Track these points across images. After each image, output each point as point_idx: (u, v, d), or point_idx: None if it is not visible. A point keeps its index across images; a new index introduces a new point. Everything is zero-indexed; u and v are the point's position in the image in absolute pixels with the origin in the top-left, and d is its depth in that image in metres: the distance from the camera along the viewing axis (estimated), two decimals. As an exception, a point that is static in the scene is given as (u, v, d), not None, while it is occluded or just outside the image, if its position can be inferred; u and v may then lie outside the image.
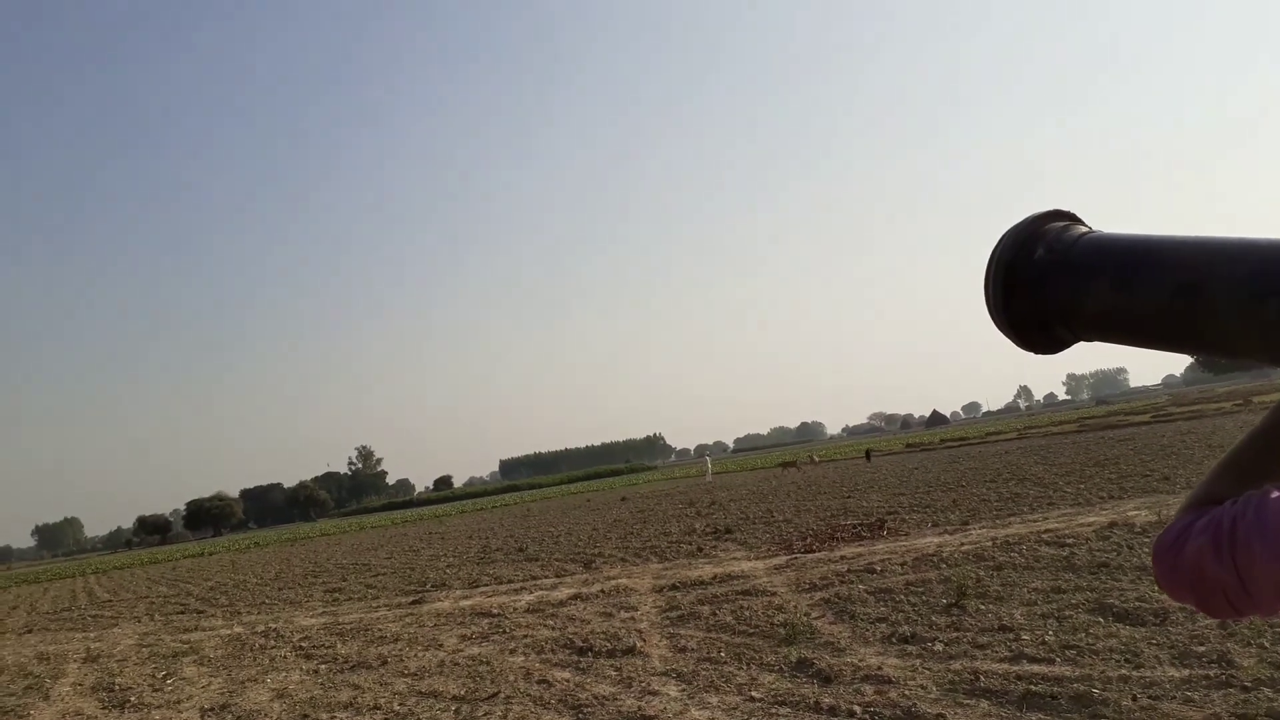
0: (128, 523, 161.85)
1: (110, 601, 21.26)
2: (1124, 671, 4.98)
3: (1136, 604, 6.29)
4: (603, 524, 22.50)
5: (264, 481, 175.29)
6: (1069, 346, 1.09)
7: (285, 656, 9.45)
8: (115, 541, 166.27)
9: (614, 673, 6.65)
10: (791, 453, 78.96)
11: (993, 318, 1.08)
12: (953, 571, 8.49)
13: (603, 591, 10.55)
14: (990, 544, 9.82)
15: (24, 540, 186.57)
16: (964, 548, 9.86)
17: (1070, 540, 9.25)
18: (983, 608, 6.98)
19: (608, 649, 7.45)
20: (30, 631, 16.41)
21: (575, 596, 10.49)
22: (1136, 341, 1.00)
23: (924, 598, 7.68)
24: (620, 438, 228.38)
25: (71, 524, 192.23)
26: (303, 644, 10.05)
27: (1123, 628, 5.85)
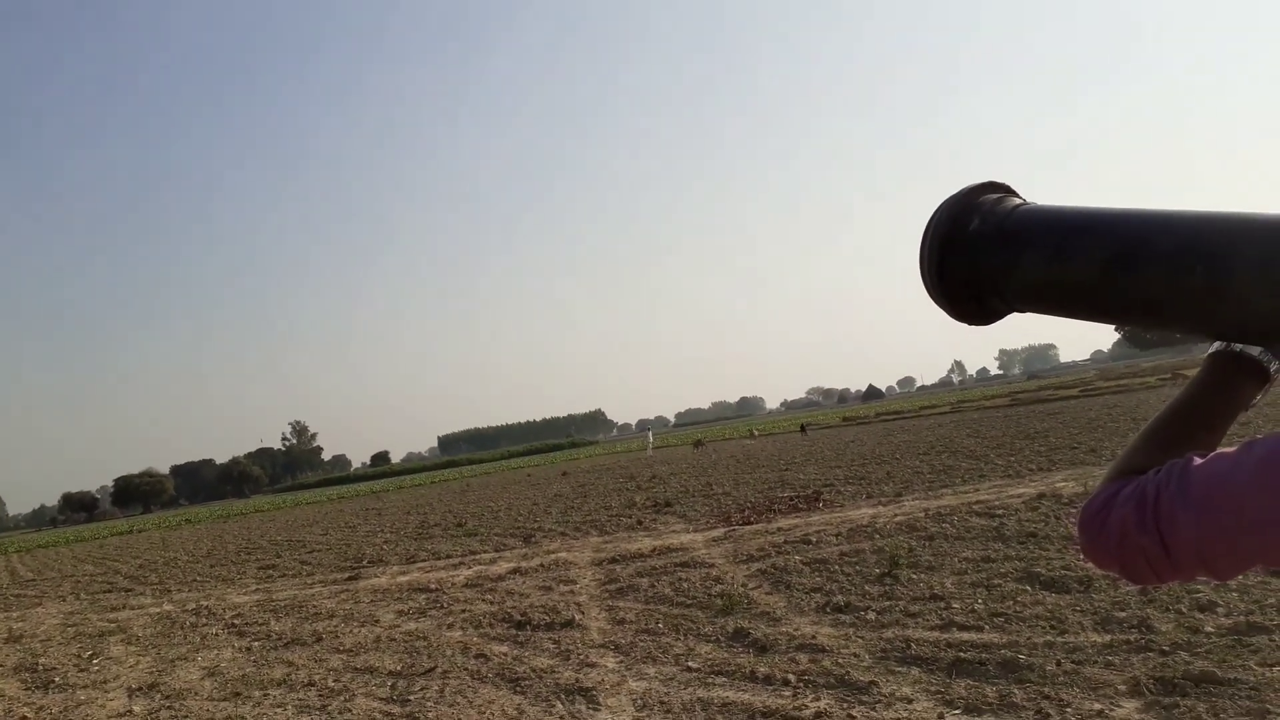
0: (53, 500, 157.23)
1: (34, 580, 20.58)
2: (1049, 638, 5.13)
3: (1062, 572, 6.48)
4: (543, 499, 22.45)
5: (195, 458, 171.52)
6: (1002, 317, 1.10)
7: (217, 634, 9.26)
8: (39, 519, 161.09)
9: (552, 645, 6.64)
10: (703, 431, 79.79)
11: (927, 289, 1.09)
12: (886, 542, 8.66)
13: (542, 565, 10.54)
14: (923, 515, 10.04)
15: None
16: (897, 519, 10.06)
17: (1000, 511, 9.50)
18: (914, 577, 7.13)
19: (546, 622, 7.44)
20: (-54, 612, 15.81)
21: (514, 571, 10.46)
22: (1069, 312, 1.02)
23: (858, 568, 7.82)
24: (562, 413, 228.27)
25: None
26: (235, 621, 9.86)
27: (1049, 595, 6.03)
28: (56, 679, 8.15)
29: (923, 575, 7.18)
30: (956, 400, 63.40)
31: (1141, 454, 0.92)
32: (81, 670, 8.44)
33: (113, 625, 10.91)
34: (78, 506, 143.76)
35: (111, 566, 21.55)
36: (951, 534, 8.71)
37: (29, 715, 6.99)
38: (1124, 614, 5.33)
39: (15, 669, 9.00)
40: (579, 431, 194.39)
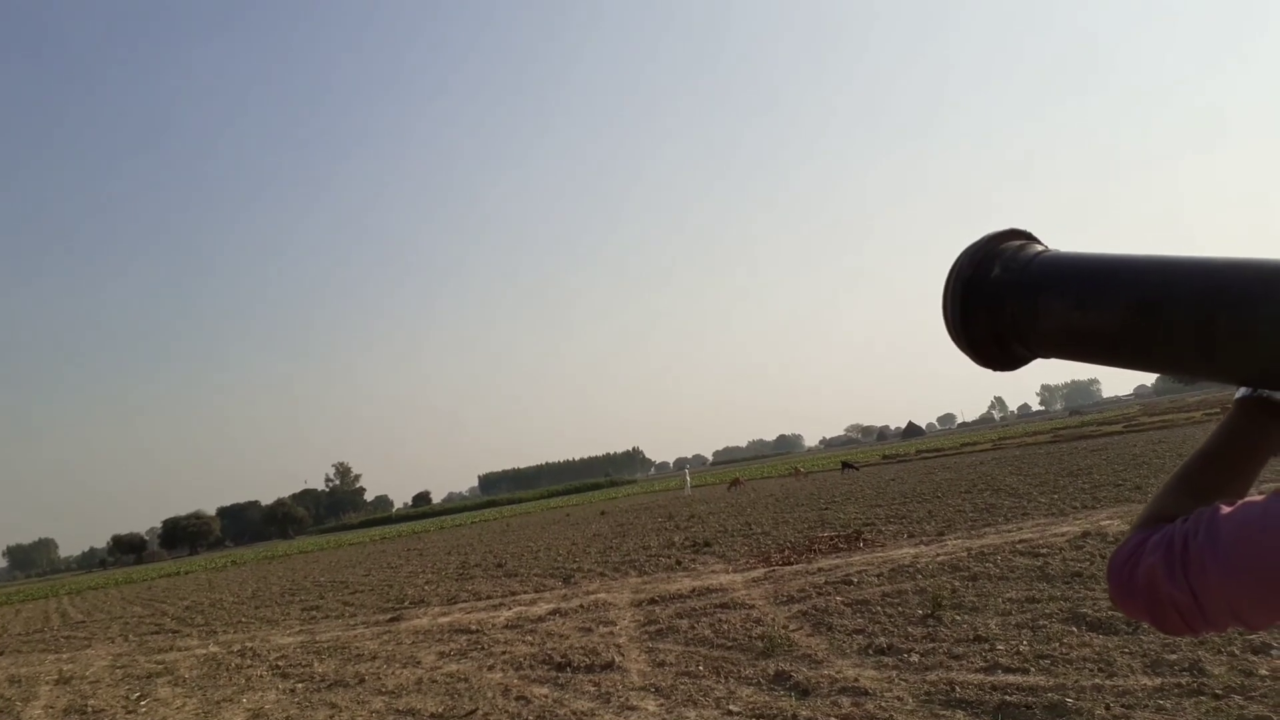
0: (102, 542, 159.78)
1: (84, 622, 20.91)
2: (1097, 680, 5.04)
3: (1109, 613, 6.36)
4: (582, 538, 22.43)
5: (241, 499, 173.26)
6: (1027, 363, 1.12)
7: (262, 676, 9.35)
8: (90, 561, 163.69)
9: (592, 688, 6.64)
10: (741, 470, 79.38)
11: (951, 335, 1.11)
12: (928, 582, 8.55)
13: (582, 606, 10.53)
14: (965, 554, 9.90)
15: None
16: (939, 558, 9.93)
17: (1044, 550, 9.34)
18: (958, 618, 7.04)
19: (586, 664, 7.43)
20: (1, 654, 16.11)
21: (554, 612, 10.46)
22: (1094, 359, 1.02)
23: (900, 609, 7.73)
24: (599, 452, 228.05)
25: (45, 544, 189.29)
26: (279, 663, 9.95)
27: (1096, 637, 5.92)
28: (106, 720, 8.28)
29: (966, 616, 7.08)
30: (998, 437, 62.42)
31: (1169, 501, 0.93)
32: (130, 712, 8.56)
33: (160, 667, 11.06)
34: (127, 548, 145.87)
35: (159, 608, 21.85)
36: (995, 574, 8.58)
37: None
38: (1174, 656, 5.22)
39: (65, 711, 9.15)
40: (617, 470, 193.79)
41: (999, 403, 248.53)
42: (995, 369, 1.13)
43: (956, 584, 8.33)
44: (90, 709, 8.95)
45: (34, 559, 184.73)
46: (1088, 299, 0.98)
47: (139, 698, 9.17)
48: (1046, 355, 1.07)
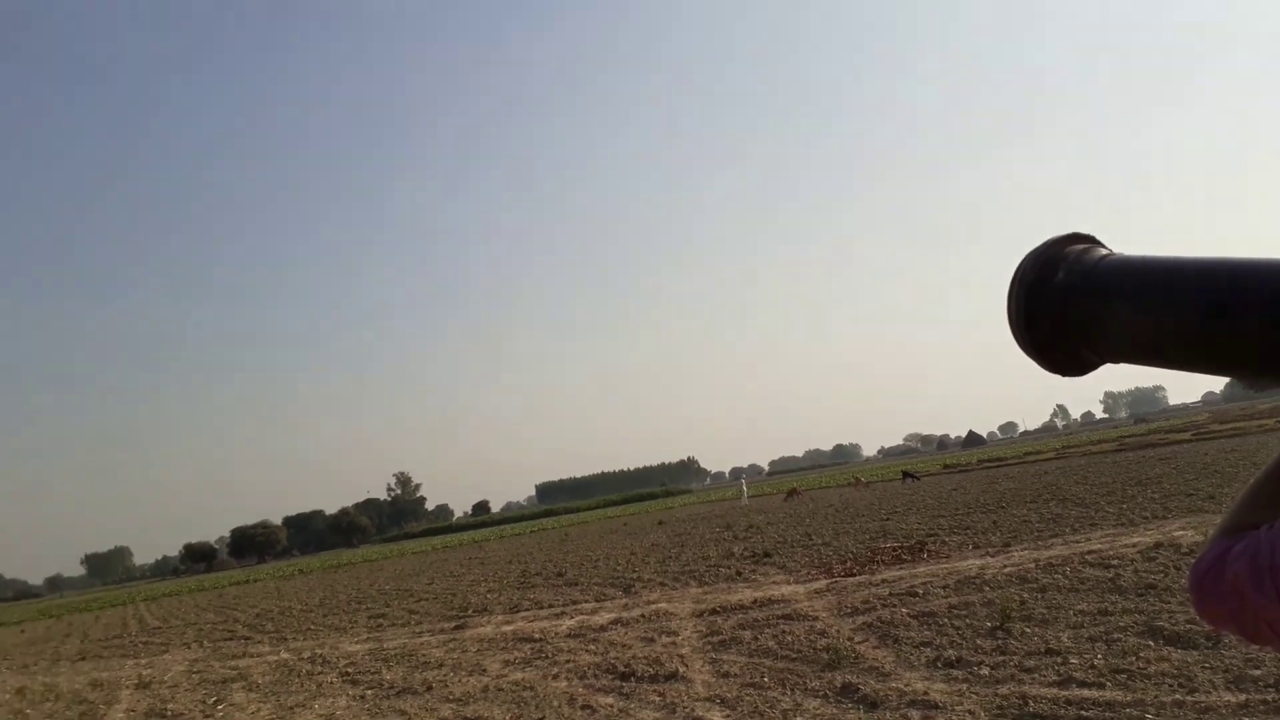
0: (175, 551, 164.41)
1: (160, 628, 21.61)
2: (1177, 696, 4.92)
3: (1187, 626, 6.20)
4: (640, 548, 22.47)
5: (306, 508, 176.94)
6: (1095, 368, 1.10)
7: (332, 682, 9.56)
8: (163, 569, 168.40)
9: (657, 698, 6.67)
10: (798, 479, 78.75)
11: (1017, 341, 1.10)
12: (996, 594, 8.42)
13: (643, 616, 10.57)
14: (1033, 566, 9.72)
15: (74, 569, 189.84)
16: (1006, 570, 9.76)
17: (1115, 561, 9.12)
18: (1028, 631, 6.92)
19: (650, 674, 7.47)
20: (84, 659, 16.72)
21: (616, 621, 10.52)
22: (1162, 362, 1.00)
23: (968, 621, 7.62)
24: (655, 461, 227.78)
25: (121, 552, 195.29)
26: (349, 670, 10.17)
27: (1174, 651, 5.77)
28: (184, 725, 8.56)
29: (1037, 629, 6.96)
30: (1061, 446, 60.86)
31: (1250, 510, 0.91)
32: (207, 716, 8.84)
33: (234, 672, 11.37)
34: (198, 556, 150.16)
35: (231, 615, 22.46)
36: (1064, 585, 8.40)
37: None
38: (1259, 672, 5.07)
39: (146, 714, 9.48)
40: (672, 480, 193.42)
41: (1061, 411, 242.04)
42: (1061, 374, 1.11)
43: (1025, 596, 8.18)
44: (169, 712, 9.26)
45: (110, 567, 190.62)
46: (1156, 302, 0.96)
47: (215, 702, 9.45)
48: (1114, 360, 1.06)
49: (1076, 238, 1.09)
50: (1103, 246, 1.09)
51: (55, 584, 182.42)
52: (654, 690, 6.92)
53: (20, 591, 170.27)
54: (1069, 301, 1.03)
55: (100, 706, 10.37)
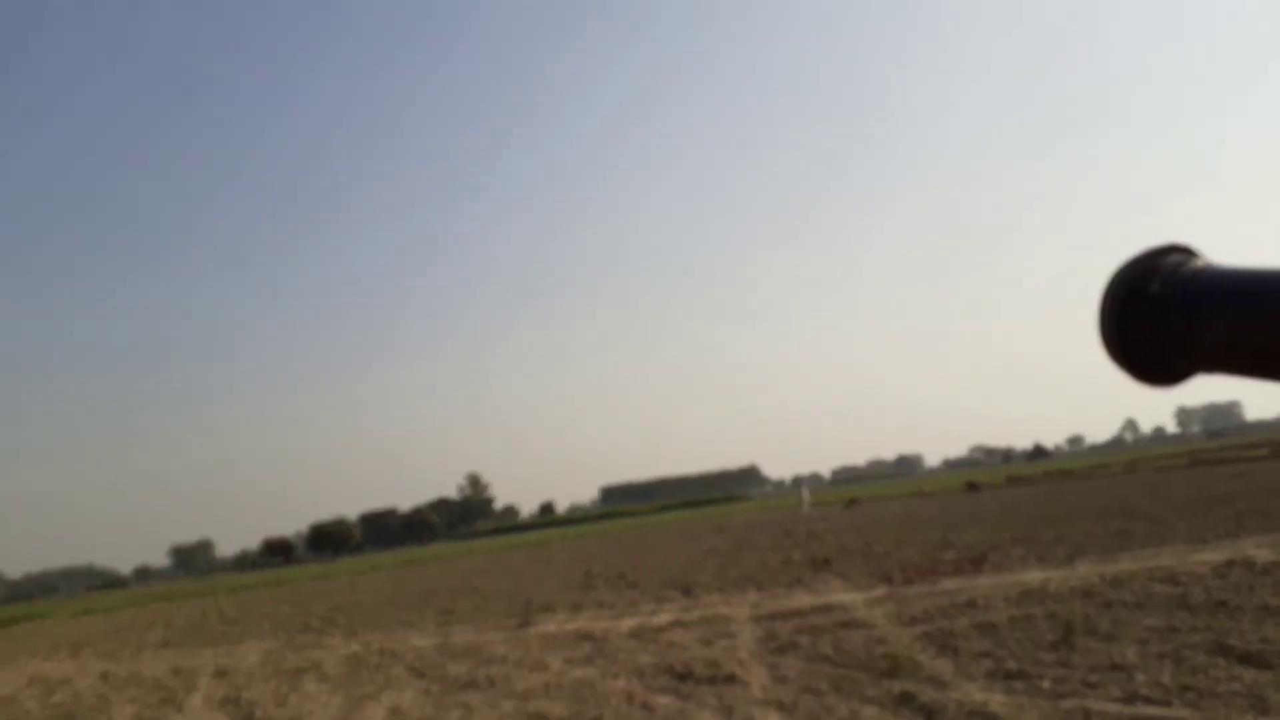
0: (254, 544, 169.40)
1: (238, 620, 22.37)
2: (1249, 717, 4.85)
3: (1260, 646, 6.09)
4: (700, 552, 22.55)
5: (380, 505, 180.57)
6: (1188, 379, 1.14)
7: (400, 676, 9.85)
8: (243, 562, 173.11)
9: (715, 700, 6.76)
10: (860, 489, 77.76)
11: (1108, 352, 1.14)
12: (1059, 607, 8.32)
13: (702, 619, 10.67)
14: (1099, 580, 9.57)
15: (161, 560, 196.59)
16: (1071, 584, 9.62)
17: (1185, 578, 8.94)
18: (1092, 645, 6.85)
19: (708, 676, 7.57)
20: (166, 646, 17.45)
21: (675, 623, 10.64)
22: (1259, 373, 1.01)
23: (1030, 634, 7.56)
24: (716, 467, 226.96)
25: (204, 545, 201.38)
26: (416, 663, 10.46)
27: (1246, 670, 5.67)
28: (258, 713, 8.89)
29: (1101, 644, 6.88)
30: (1130, 460, 59.10)
31: None
32: (280, 705, 9.17)
33: (307, 664, 11.76)
34: (277, 550, 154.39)
35: (305, 608, 23.15)
36: (1131, 601, 8.27)
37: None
38: (1332, 694, 4.97)
39: (222, 701, 9.89)
40: (733, 486, 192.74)
41: (1131, 424, 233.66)
42: (1153, 385, 1.15)
43: (1090, 610, 8.07)
44: (244, 700, 9.65)
45: (195, 559, 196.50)
46: (1254, 313, 0.92)
47: (288, 692, 9.81)
48: (1209, 371, 1.00)
49: (1172, 249, 1.06)
50: (1199, 257, 1.06)
51: (143, 574, 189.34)
52: (711, 692, 7.02)
53: (109, 581, 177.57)
54: (1165, 312, 1.01)
55: (180, 693, 10.84)
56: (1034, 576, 10.61)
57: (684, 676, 7.69)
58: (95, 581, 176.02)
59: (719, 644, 8.95)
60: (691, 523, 51.42)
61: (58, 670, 15.49)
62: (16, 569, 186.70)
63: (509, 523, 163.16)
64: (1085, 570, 10.58)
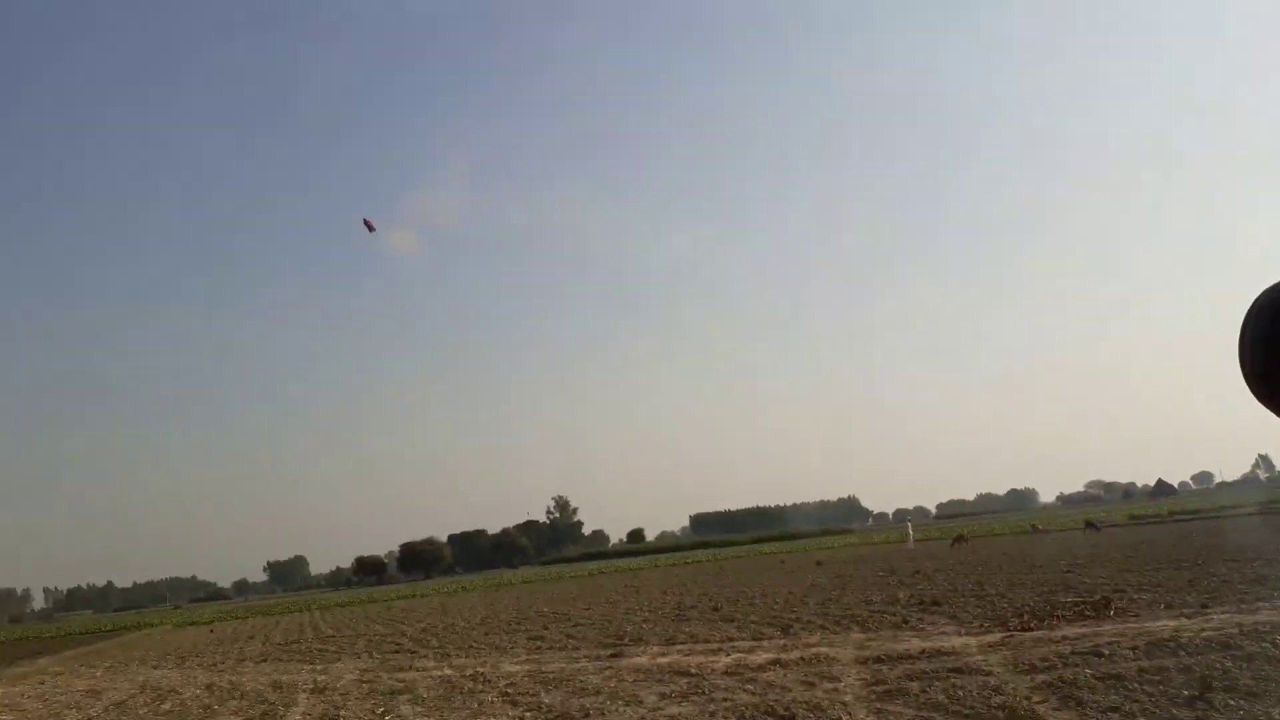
0: (347, 562, 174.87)
1: (333, 637, 22.94)
2: None
3: None
4: (799, 587, 22.01)
5: (470, 527, 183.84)
6: None
7: (493, 702, 9.82)
8: (336, 580, 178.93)
9: (818, 745, 6.46)
10: (968, 525, 75.07)
11: (1252, 389, 1.03)
12: (1194, 660, 7.71)
13: (803, 659, 10.30)
14: (1236, 630, 8.85)
15: (258, 575, 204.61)
16: (1205, 634, 8.92)
17: (1337, 632, 8.17)
18: (1232, 703, 6.29)
19: None
20: (265, 660, 17.99)
21: (774, 662, 10.30)
22: None
23: (1161, 688, 7.00)
24: (813, 499, 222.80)
25: (299, 562, 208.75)
26: (509, 690, 10.42)
27: None
28: (355, 732, 9.00)
29: (1243, 701, 6.32)
30: (1265, 500, 55.33)
31: None
32: (376, 726, 9.25)
33: (401, 685, 11.88)
34: (369, 569, 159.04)
35: (398, 628, 23.58)
36: (1274, 655, 7.62)
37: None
38: None
39: (320, 719, 10.04)
40: (831, 518, 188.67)
41: (1263, 461, 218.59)
42: None
43: (1228, 664, 7.45)
44: (341, 719, 9.77)
45: (290, 574, 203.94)
46: None
47: (383, 713, 9.90)
48: None
49: None
50: None
51: (241, 588, 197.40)
52: (814, 736, 6.72)
53: (211, 593, 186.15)
54: None
55: (280, 708, 11.07)
56: (1164, 625, 9.89)
57: (786, 719, 7.39)
58: (198, 593, 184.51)
59: (822, 686, 8.60)
60: (788, 555, 50.46)
61: (166, 679, 16.13)
62: (126, 579, 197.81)
63: (598, 548, 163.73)
64: (1221, 619, 9.81)
